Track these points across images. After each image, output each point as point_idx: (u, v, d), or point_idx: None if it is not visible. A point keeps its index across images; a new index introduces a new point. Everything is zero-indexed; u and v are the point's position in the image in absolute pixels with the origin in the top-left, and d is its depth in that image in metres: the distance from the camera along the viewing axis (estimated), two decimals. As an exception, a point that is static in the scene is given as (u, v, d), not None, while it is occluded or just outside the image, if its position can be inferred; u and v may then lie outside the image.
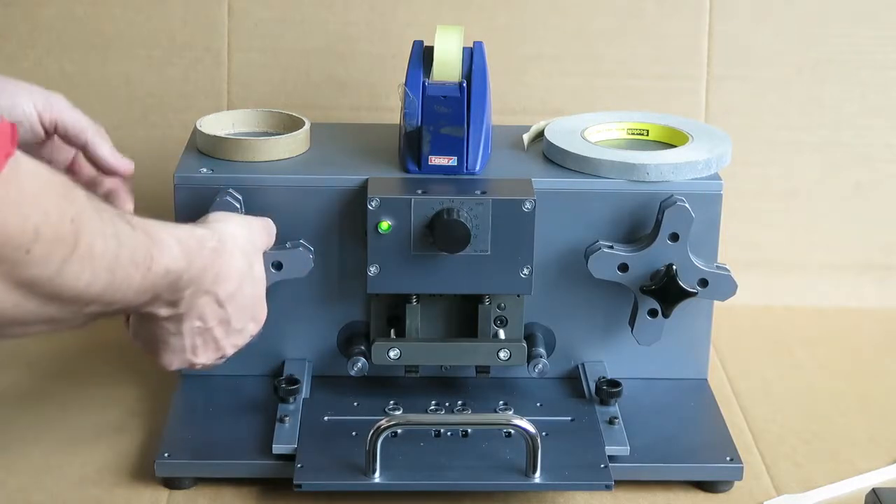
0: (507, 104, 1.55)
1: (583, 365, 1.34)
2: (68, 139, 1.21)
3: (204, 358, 1.13)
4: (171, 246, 1.01)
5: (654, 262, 1.26)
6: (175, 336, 1.09)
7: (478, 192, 1.24)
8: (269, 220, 1.21)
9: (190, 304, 1.07)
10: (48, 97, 1.20)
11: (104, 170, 1.24)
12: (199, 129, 1.31)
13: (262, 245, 1.18)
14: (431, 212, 1.23)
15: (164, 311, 1.06)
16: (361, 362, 1.29)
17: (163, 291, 1.02)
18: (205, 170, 1.27)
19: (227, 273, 1.09)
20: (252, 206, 1.25)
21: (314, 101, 1.57)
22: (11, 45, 1.56)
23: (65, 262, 0.89)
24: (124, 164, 1.24)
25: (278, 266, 1.23)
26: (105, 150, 1.22)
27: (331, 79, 1.57)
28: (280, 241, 1.23)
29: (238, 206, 1.24)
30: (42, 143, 1.21)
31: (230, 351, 1.14)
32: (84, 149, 1.22)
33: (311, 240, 1.27)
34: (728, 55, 1.57)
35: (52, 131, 1.20)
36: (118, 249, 0.94)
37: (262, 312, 1.15)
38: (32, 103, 1.19)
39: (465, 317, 1.31)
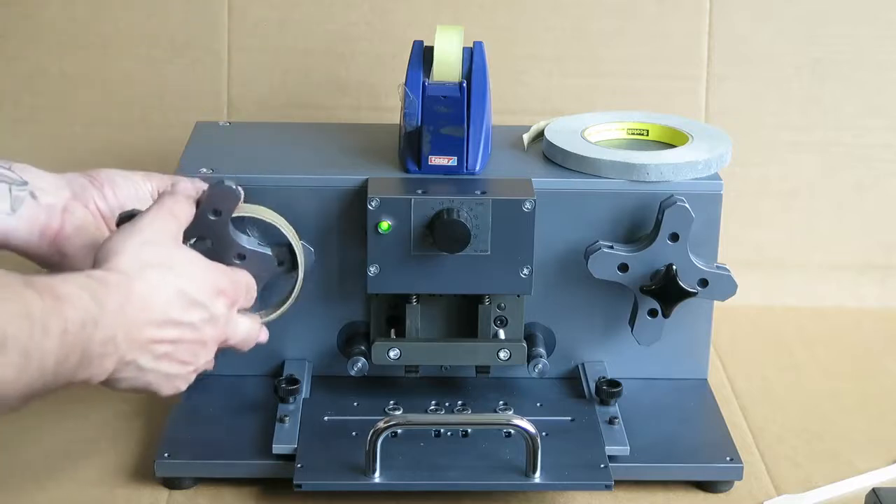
0: (507, 104, 1.55)
1: (583, 365, 1.34)
2: None
3: (194, 366, 1.09)
4: (78, 295, 0.96)
5: (654, 262, 1.26)
6: (147, 375, 1.04)
7: (478, 192, 1.24)
8: (171, 187, 1.15)
9: (129, 344, 1.01)
10: (147, 176, 1.20)
11: None
12: None
13: (178, 223, 1.11)
14: (431, 212, 1.23)
15: (108, 366, 1.00)
16: (361, 362, 1.29)
17: (89, 345, 0.97)
18: (205, 170, 1.27)
19: (149, 293, 1.03)
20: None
21: (314, 101, 1.57)
22: (11, 45, 1.56)
23: None
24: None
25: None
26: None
27: (331, 79, 1.57)
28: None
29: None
30: None
31: (213, 345, 1.10)
32: None
33: (311, 240, 1.27)
34: (728, 55, 1.57)
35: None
36: (30, 329, 0.90)
37: (223, 282, 1.10)
38: (147, 187, 1.19)
39: (465, 317, 1.31)
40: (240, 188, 1.16)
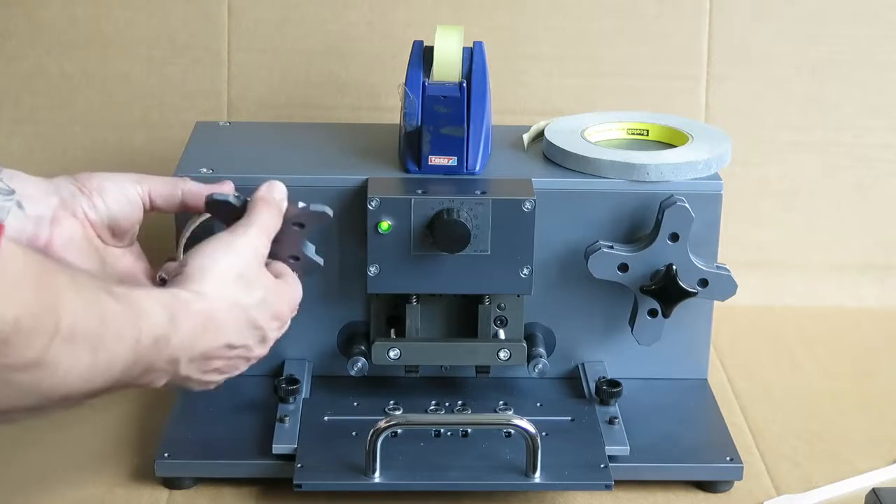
0: (507, 104, 1.55)
1: (583, 365, 1.34)
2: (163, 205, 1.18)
3: (230, 374, 1.09)
4: (157, 313, 0.97)
5: (654, 262, 1.26)
6: (189, 382, 1.05)
7: (478, 192, 1.24)
8: (267, 200, 1.12)
9: (188, 364, 1.02)
10: (139, 179, 1.17)
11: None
12: None
13: (269, 238, 1.11)
14: (431, 212, 1.23)
15: (164, 380, 1.02)
16: (361, 362, 1.29)
17: (156, 360, 0.98)
18: (205, 170, 1.27)
19: (223, 324, 1.04)
20: (252, 206, 1.25)
21: (314, 101, 1.57)
22: (11, 45, 1.56)
23: (45, 349, 0.87)
24: (220, 186, 1.19)
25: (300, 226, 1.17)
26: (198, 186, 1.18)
27: (331, 79, 1.57)
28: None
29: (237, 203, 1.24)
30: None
31: (255, 360, 1.10)
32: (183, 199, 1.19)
33: (312, 240, 1.27)
34: (728, 55, 1.57)
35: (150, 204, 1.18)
36: (101, 329, 0.91)
37: (284, 309, 1.10)
38: (137, 190, 1.16)
39: (465, 317, 1.31)
40: (330, 211, 1.16)
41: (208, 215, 1.20)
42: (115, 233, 1.14)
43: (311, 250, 1.17)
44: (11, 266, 0.85)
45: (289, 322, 1.13)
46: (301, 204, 1.15)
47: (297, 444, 1.21)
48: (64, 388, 0.91)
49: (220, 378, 1.07)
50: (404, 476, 1.18)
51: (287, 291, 1.11)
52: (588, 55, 1.57)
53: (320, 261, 1.18)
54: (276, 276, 1.11)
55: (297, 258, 1.16)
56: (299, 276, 1.15)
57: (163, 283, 1.10)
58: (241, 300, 1.05)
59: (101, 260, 1.14)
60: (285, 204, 1.14)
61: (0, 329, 0.83)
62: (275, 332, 1.10)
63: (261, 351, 1.09)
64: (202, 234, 1.22)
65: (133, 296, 0.96)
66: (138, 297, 0.96)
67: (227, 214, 1.14)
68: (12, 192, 1.09)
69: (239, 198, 1.14)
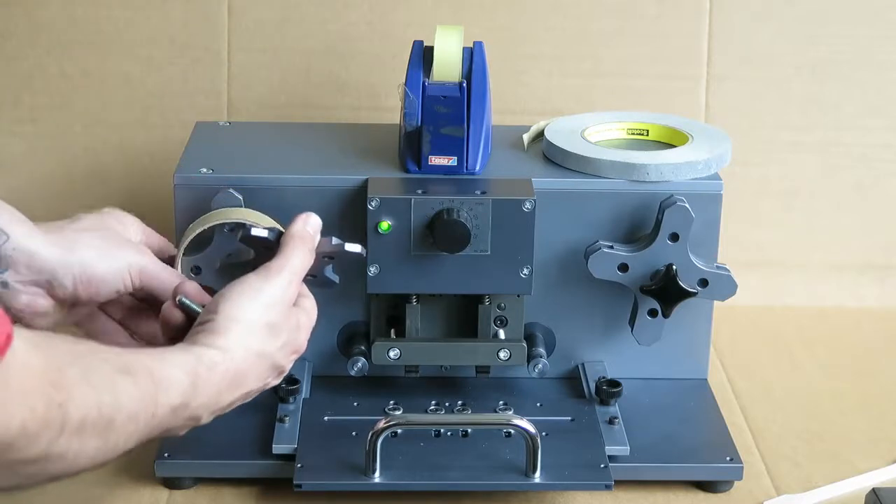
0: (507, 104, 1.55)
1: (583, 365, 1.34)
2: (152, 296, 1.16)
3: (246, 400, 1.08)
4: (179, 381, 0.96)
5: (654, 262, 1.26)
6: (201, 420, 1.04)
7: (478, 192, 1.24)
8: (295, 257, 1.09)
9: (209, 415, 1.02)
10: (141, 261, 1.14)
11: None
12: None
13: (299, 279, 1.09)
14: (431, 212, 1.23)
15: (182, 433, 1.02)
16: (361, 362, 1.29)
17: (174, 423, 0.98)
18: (205, 170, 1.27)
19: (246, 375, 1.03)
20: (252, 207, 1.25)
21: (314, 101, 1.57)
22: (11, 45, 1.56)
23: (51, 444, 0.86)
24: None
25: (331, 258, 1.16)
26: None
27: (331, 79, 1.57)
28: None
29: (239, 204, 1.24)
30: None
31: (275, 383, 1.10)
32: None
33: (311, 240, 1.27)
34: (728, 55, 1.57)
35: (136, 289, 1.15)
36: (113, 414, 0.90)
37: (302, 342, 1.09)
38: (128, 270, 1.13)
39: (465, 317, 1.31)
40: (364, 251, 1.16)
41: (211, 224, 1.21)
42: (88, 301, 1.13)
43: (328, 270, 1.17)
44: (17, 373, 0.83)
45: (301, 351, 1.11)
46: (335, 241, 1.14)
47: (297, 444, 1.21)
48: (72, 471, 0.91)
49: (228, 409, 1.06)
50: (404, 476, 1.18)
51: (306, 322, 1.10)
52: (588, 55, 1.57)
53: (336, 279, 1.17)
54: (295, 301, 1.09)
55: (314, 276, 1.15)
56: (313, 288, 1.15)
57: (182, 307, 1.08)
58: (266, 349, 1.04)
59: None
60: (318, 238, 1.12)
61: (5, 436, 0.83)
62: (289, 364, 1.09)
63: (276, 382, 1.09)
64: (202, 241, 1.22)
65: (153, 367, 0.95)
66: (158, 367, 0.95)
67: (261, 247, 1.13)
68: (6, 269, 1.08)
69: (273, 231, 1.13)
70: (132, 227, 1.17)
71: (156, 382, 0.94)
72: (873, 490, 1.17)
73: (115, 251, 1.12)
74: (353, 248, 1.15)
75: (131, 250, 1.13)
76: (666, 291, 1.26)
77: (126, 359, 0.94)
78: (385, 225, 1.23)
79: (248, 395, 1.06)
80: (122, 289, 1.12)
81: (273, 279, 1.06)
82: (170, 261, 1.19)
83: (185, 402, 0.97)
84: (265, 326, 1.04)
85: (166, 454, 1.21)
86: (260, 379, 1.05)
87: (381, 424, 1.16)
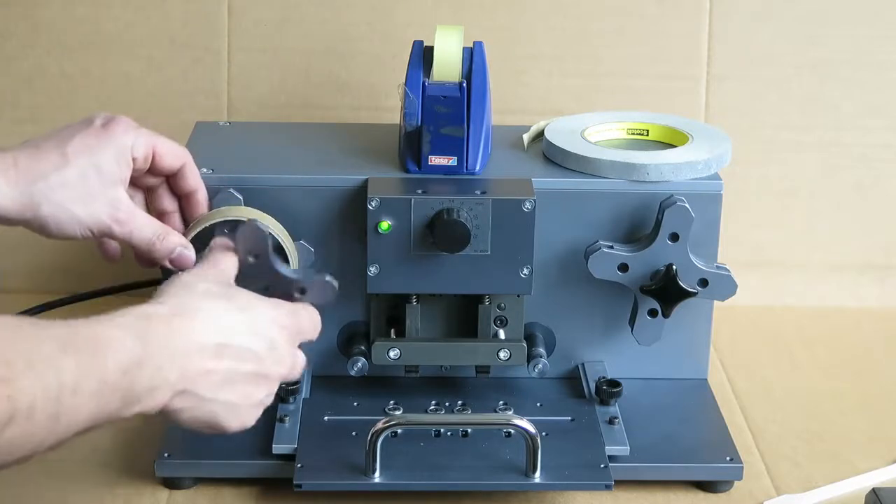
0: (507, 104, 1.55)
1: (583, 365, 1.34)
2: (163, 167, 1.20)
3: (258, 397, 1.05)
4: (121, 340, 0.94)
5: (654, 262, 1.26)
6: (209, 405, 1.01)
7: (478, 192, 1.24)
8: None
9: (180, 374, 0.98)
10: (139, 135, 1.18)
11: (186, 190, 1.22)
12: None
13: (224, 273, 1.09)
14: (431, 212, 1.23)
15: (161, 398, 0.98)
16: (361, 362, 1.29)
17: (132, 387, 0.95)
18: (205, 170, 1.27)
19: (198, 321, 1.00)
20: (252, 206, 1.25)
21: (314, 101, 1.57)
22: (11, 45, 1.56)
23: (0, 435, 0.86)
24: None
25: (301, 291, 1.13)
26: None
27: (331, 79, 1.57)
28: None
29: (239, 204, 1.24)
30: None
31: (277, 379, 1.06)
32: (179, 172, 1.21)
33: (311, 240, 1.27)
34: (728, 55, 1.57)
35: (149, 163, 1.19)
36: (59, 392, 0.89)
37: (283, 316, 1.07)
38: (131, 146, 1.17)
39: (465, 317, 1.31)
40: (265, 227, 1.14)
41: (210, 223, 1.21)
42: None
43: (299, 273, 1.13)
44: None
45: (314, 335, 1.10)
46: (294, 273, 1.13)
47: (297, 444, 1.21)
48: (29, 456, 0.90)
49: (240, 398, 1.03)
50: (404, 476, 1.18)
51: (286, 305, 1.08)
52: (588, 55, 1.57)
53: (325, 276, 1.13)
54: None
55: (303, 290, 1.12)
56: (326, 303, 1.13)
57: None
58: (213, 301, 1.03)
59: None
60: (225, 244, 1.12)
61: None
62: (285, 344, 1.06)
63: (278, 366, 1.05)
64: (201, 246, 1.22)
65: (97, 332, 0.94)
66: (102, 330, 0.94)
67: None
68: None
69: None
70: (136, 145, 1.18)
71: (101, 346, 0.93)
72: (873, 490, 1.17)
73: (84, 207, 1.14)
74: (254, 224, 1.13)
75: (102, 205, 1.15)
76: (666, 291, 1.26)
77: (70, 331, 0.93)
78: (385, 225, 1.23)
79: (235, 363, 1.02)
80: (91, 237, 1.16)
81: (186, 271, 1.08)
82: (182, 178, 1.22)
83: (137, 360, 0.94)
84: (195, 283, 1.04)
85: (166, 454, 1.21)
86: (233, 334, 1.02)
87: (381, 424, 1.16)
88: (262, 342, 1.04)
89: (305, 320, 1.09)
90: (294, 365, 1.08)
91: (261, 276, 1.11)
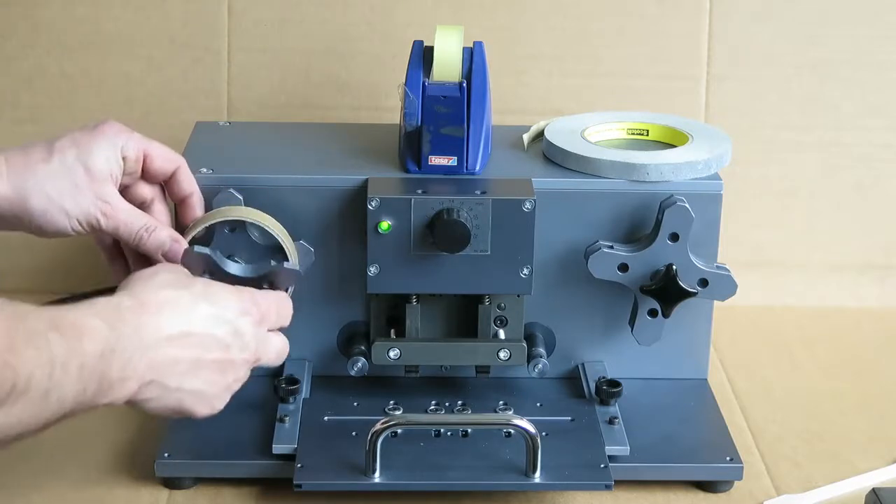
0: (507, 104, 1.55)
1: (583, 365, 1.34)
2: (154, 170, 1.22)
3: (225, 383, 1.08)
4: (97, 328, 0.97)
5: (654, 262, 1.26)
6: (175, 393, 1.04)
7: (478, 192, 1.24)
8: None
9: (147, 364, 1.01)
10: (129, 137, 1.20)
11: (182, 194, 1.23)
12: None
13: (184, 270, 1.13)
14: (431, 212, 1.23)
15: (130, 388, 1.00)
16: (361, 362, 1.29)
17: (107, 373, 0.97)
18: (205, 170, 1.27)
19: (164, 311, 1.03)
20: (252, 206, 1.25)
21: (314, 101, 1.57)
22: (11, 45, 1.56)
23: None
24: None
25: (270, 285, 1.19)
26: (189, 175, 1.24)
27: (331, 79, 1.57)
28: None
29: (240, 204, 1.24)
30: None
31: (244, 365, 1.10)
32: (173, 176, 1.23)
33: (311, 240, 1.27)
34: (728, 55, 1.57)
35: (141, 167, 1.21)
36: (52, 369, 0.92)
37: (246, 301, 1.10)
38: (120, 146, 1.19)
39: (465, 317, 1.31)
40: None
41: (210, 223, 1.21)
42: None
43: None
44: None
45: (285, 320, 1.13)
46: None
47: (297, 444, 1.21)
48: (11, 435, 0.93)
49: (206, 386, 1.06)
50: (404, 476, 1.18)
51: (249, 291, 1.11)
52: (588, 55, 1.57)
53: (289, 265, 1.20)
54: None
55: (271, 284, 1.18)
56: (290, 288, 1.18)
57: None
58: (176, 291, 1.05)
59: None
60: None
61: None
62: (250, 328, 1.09)
63: (242, 352, 1.08)
64: (207, 236, 1.23)
65: (76, 318, 0.96)
66: (79, 317, 0.97)
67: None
68: None
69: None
70: (127, 145, 1.19)
71: (79, 332, 0.96)
72: (873, 490, 1.17)
73: (72, 199, 1.16)
74: (280, 266, 1.19)
75: (90, 198, 1.17)
76: (666, 291, 1.26)
77: (54, 314, 0.95)
78: (385, 225, 1.23)
79: (199, 351, 1.05)
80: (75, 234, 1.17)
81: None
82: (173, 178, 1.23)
83: (111, 347, 0.97)
84: (159, 275, 1.07)
85: (166, 454, 1.21)
86: (196, 322, 1.04)
87: (381, 424, 1.16)
88: (225, 329, 1.07)
89: (269, 306, 1.12)
90: (265, 351, 1.11)
91: (224, 281, 1.14)
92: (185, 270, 1.12)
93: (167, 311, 1.03)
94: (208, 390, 1.06)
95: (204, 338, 1.05)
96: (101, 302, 1.00)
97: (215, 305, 1.07)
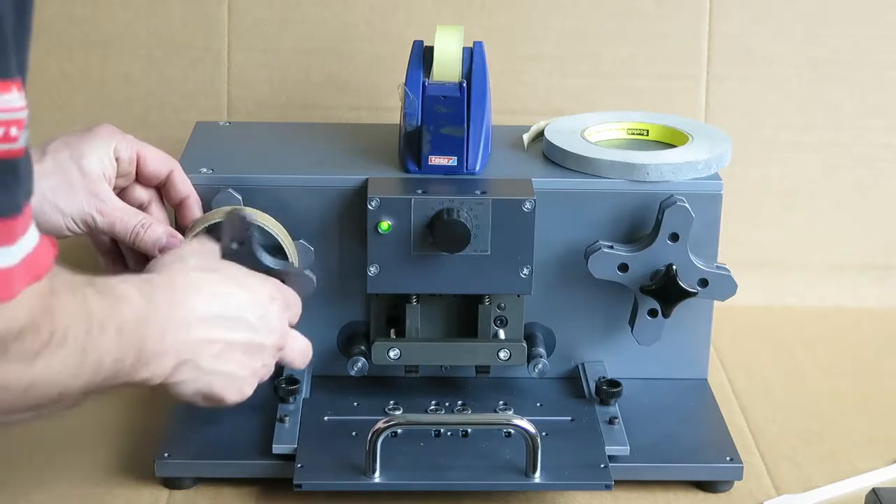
0: (507, 104, 1.55)
1: (583, 365, 1.34)
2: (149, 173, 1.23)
3: (254, 368, 1.09)
4: (134, 295, 0.98)
5: (654, 262, 1.26)
6: (208, 376, 1.05)
7: (478, 192, 1.24)
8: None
9: (182, 343, 1.02)
10: (123, 139, 1.21)
11: (178, 197, 1.24)
12: None
13: (212, 251, 1.14)
14: (431, 212, 1.23)
15: (167, 364, 1.01)
16: (361, 362, 1.29)
17: (144, 344, 0.98)
18: (205, 170, 1.27)
19: (195, 292, 1.04)
20: (252, 206, 1.25)
21: (314, 101, 1.57)
22: (11, 45, 1.56)
23: (37, 355, 0.88)
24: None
25: (281, 282, 1.18)
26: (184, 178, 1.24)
27: (331, 79, 1.57)
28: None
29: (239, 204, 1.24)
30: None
31: (273, 350, 1.11)
32: (168, 179, 1.23)
33: (311, 240, 1.27)
34: (728, 55, 1.57)
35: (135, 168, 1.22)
36: (90, 324, 0.92)
37: (273, 288, 1.11)
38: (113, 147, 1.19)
39: (465, 317, 1.31)
40: (251, 217, 1.18)
41: (210, 223, 1.21)
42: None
43: (279, 263, 1.18)
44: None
45: (295, 317, 1.14)
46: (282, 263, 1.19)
47: (297, 444, 1.21)
48: (57, 387, 0.91)
49: (237, 368, 1.07)
50: (404, 476, 1.18)
51: (273, 280, 1.12)
52: (588, 55, 1.57)
53: (305, 271, 1.20)
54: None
55: (283, 282, 1.17)
56: (304, 294, 1.18)
57: None
58: (206, 273, 1.06)
59: None
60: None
61: (5, 338, 0.85)
62: (277, 313, 1.10)
63: (270, 335, 1.09)
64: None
65: (111, 283, 0.97)
66: (115, 284, 0.98)
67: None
68: None
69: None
70: (120, 147, 1.20)
71: (115, 296, 0.96)
72: (873, 490, 1.17)
73: (66, 198, 1.16)
74: (240, 213, 1.17)
75: (85, 197, 1.17)
76: (666, 291, 1.26)
77: (89, 277, 0.96)
78: (385, 225, 1.23)
79: (232, 333, 1.06)
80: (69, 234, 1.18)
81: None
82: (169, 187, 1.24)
83: (145, 316, 0.98)
84: (188, 257, 1.08)
85: (166, 454, 1.21)
86: (227, 305, 1.06)
87: (381, 424, 1.16)
88: (254, 312, 1.08)
89: (291, 297, 1.15)
90: (290, 341, 1.13)
91: (243, 264, 1.14)
92: (211, 252, 1.12)
93: (199, 293, 1.04)
94: (239, 373, 1.07)
95: (235, 321, 1.07)
96: (133, 277, 1.01)
97: (245, 289, 1.08)
